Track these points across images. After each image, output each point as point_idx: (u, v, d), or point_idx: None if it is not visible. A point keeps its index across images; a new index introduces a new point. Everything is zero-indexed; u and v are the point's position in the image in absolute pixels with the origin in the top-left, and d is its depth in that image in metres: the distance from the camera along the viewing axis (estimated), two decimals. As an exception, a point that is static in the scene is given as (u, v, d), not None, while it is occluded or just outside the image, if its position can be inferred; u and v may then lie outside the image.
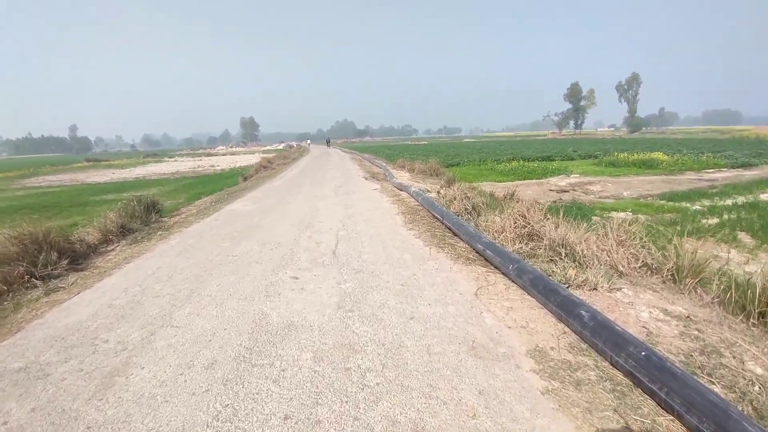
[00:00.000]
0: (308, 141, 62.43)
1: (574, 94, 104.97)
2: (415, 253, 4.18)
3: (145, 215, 6.60)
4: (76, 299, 3.42)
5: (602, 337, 2.27)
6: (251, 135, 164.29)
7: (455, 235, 4.79)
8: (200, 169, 32.35)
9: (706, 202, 10.96)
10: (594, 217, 10.03)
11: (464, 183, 9.80)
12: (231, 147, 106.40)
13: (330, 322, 2.75)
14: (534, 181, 14.76)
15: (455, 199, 6.21)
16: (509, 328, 2.65)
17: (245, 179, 17.20)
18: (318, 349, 2.44)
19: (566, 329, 2.60)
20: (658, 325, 2.63)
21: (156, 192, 18.30)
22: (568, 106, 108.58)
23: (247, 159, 37.65)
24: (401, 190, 9.01)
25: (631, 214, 10.51)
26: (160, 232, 5.67)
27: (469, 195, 6.22)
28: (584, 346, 2.42)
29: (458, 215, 5.54)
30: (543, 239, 3.94)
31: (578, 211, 10.56)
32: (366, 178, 11.76)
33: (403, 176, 13.60)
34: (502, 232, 4.30)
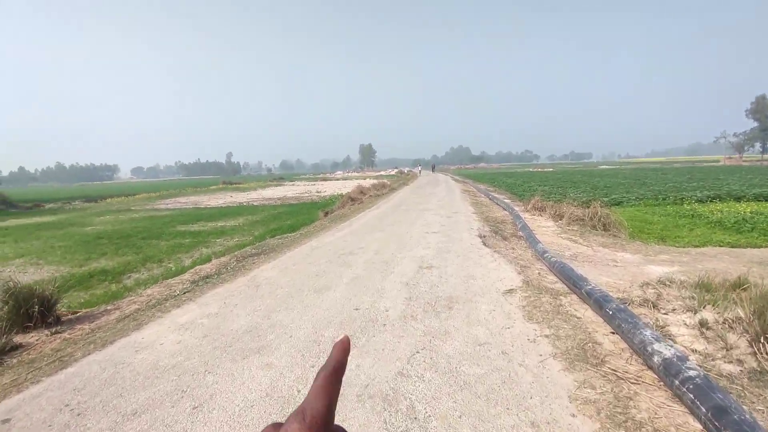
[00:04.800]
0: (419, 168, 59.53)
1: (760, 109, 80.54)
2: None
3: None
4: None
5: None
6: (368, 161, 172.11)
7: None
8: (306, 195, 31.57)
9: None
10: None
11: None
12: (347, 172, 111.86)
13: None
14: (824, 250, 7.58)
15: None
16: None
17: (326, 214, 14.08)
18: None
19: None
20: None
21: (241, 222, 16.47)
22: (752, 124, 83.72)
23: (358, 183, 35.85)
24: (571, 287, 3.77)
25: None
26: None
27: None
28: None
29: None
30: None
31: None
32: (482, 238, 6.66)
33: (545, 229, 8.23)
34: None
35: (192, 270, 5.35)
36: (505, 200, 13.99)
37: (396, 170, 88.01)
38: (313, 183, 54.65)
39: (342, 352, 0.32)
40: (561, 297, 3.55)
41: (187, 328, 3.17)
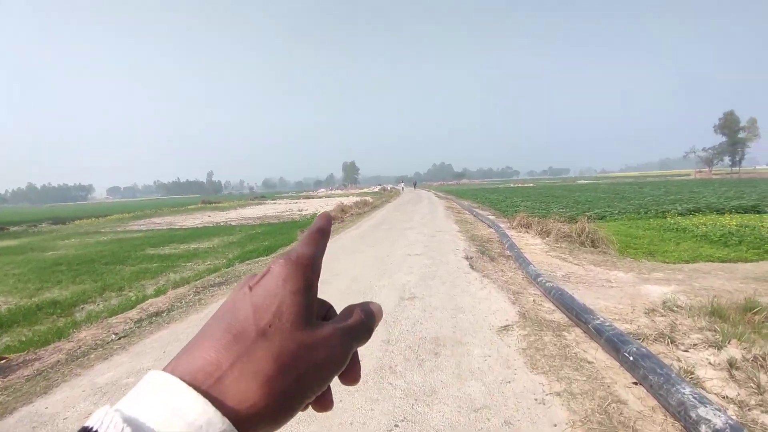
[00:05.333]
0: (402, 185, 59.05)
1: (728, 125, 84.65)
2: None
3: None
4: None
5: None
6: (352, 178, 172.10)
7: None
8: (286, 213, 30.73)
9: None
10: None
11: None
12: (331, 190, 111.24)
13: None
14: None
15: None
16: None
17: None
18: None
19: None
20: None
21: (216, 244, 15.66)
22: (720, 139, 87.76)
23: (340, 201, 35.26)
24: (574, 319, 3.28)
25: None
26: None
27: None
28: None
29: None
30: None
31: None
32: (469, 260, 6.11)
33: (533, 247, 7.88)
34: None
35: (140, 305, 4.63)
36: (490, 216, 13.68)
37: (379, 187, 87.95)
38: (295, 201, 53.71)
39: (325, 219, 0.32)
40: (564, 333, 3.04)
41: (105, 392, 2.48)
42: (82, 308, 7.69)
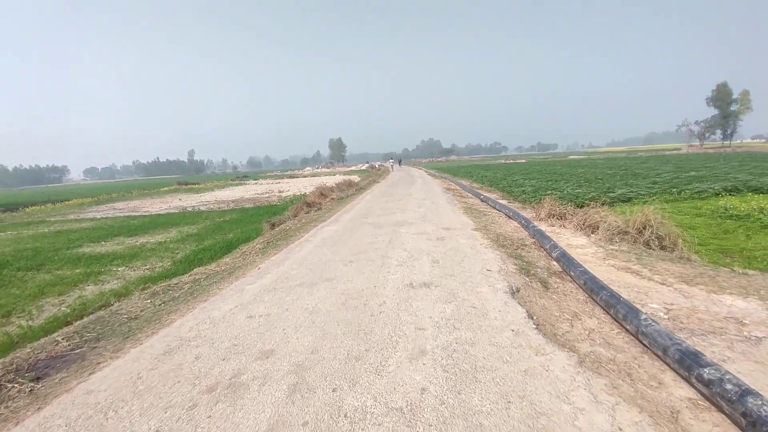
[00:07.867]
0: (391, 162, 55.35)
1: (721, 97, 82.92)
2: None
3: None
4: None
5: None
6: (339, 156, 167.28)
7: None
8: (265, 195, 28.02)
9: None
10: None
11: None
12: (317, 168, 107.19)
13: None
14: None
15: None
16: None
17: (272, 226, 10.87)
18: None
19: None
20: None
21: (171, 236, 13.00)
22: (705, 114, 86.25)
23: (323, 181, 32.36)
24: None
25: None
26: None
27: None
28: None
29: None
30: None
31: None
32: (515, 294, 3.67)
33: (579, 250, 5.62)
34: None
35: None
36: (501, 201, 11.20)
37: (367, 165, 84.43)
38: (278, 181, 50.53)
39: None
40: None
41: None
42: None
